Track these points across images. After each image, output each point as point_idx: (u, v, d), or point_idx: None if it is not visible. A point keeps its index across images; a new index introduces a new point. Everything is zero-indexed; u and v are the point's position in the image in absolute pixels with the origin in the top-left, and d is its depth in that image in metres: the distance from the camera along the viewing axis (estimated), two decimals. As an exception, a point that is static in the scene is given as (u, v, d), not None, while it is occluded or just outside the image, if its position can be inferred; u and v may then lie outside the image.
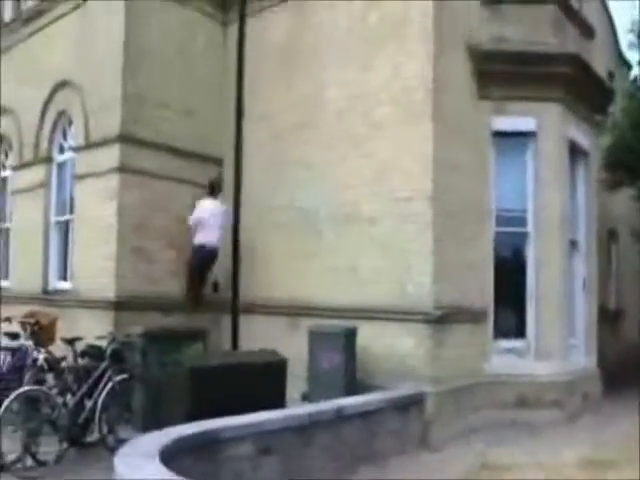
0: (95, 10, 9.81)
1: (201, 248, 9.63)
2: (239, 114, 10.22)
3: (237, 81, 10.25)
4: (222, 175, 10.31)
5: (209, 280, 10.10)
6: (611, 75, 17.44)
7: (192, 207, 9.62)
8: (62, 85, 10.36)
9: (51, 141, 10.78)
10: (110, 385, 6.98)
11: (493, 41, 9.29)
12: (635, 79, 18.63)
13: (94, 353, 7.47)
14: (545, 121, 9.40)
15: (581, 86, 9.89)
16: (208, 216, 9.59)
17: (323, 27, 9.33)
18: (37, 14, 11.12)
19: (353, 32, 8.97)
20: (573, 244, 10.22)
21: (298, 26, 9.68)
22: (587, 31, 11.04)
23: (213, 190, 9.91)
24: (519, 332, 9.23)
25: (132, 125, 9.23)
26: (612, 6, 18.42)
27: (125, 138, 9.15)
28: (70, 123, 10.44)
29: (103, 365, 7.11)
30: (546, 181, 9.36)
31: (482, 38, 9.25)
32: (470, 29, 9.12)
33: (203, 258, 9.72)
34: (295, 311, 9.05)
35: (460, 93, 8.86)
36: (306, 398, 7.95)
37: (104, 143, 9.31)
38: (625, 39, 17.05)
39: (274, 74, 9.91)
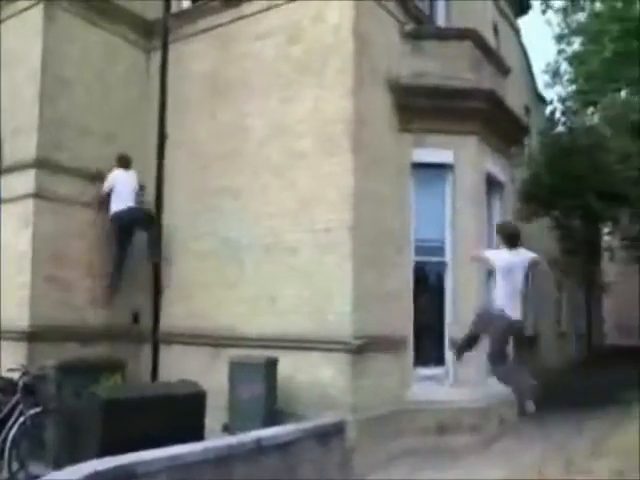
0: (11, 32, 9.52)
1: (119, 215, 9.29)
2: (161, 141, 10.12)
3: (159, 108, 10.18)
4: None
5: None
6: (528, 110, 18.28)
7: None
8: (-26, 109, 10.03)
9: (-37, 166, 10.36)
10: (21, 420, 6.75)
11: (413, 75, 9.50)
12: (551, 116, 19.55)
13: (5, 387, 7.25)
14: (462, 154, 9.67)
15: (496, 120, 10.25)
16: (122, 185, 9.36)
17: (248, 57, 9.37)
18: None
19: (277, 64, 9.04)
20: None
21: (223, 55, 9.69)
22: (503, 68, 11.47)
23: (124, 164, 9.58)
24: (438, 359, 9.41)
25: (50, 150, 9.01)
26: (530, 48, 19.41)
27: (41, 163, 8.92)
28: (-17, 148, 10.09)
29: (14, 399, 6.86)
30: (463, 212, 9.60)
31: (402, 72, 9.46)
32: (391, 63, 9.32)
33: (123, 226, 9.34)
34: (217, 341, 8.94)
35: (381, 126, 9.04)
36: (227, 429, 7.86)
37: (19, 168, 9.03)
38: (542, 79, 17.92)
39: (198, 102, 9.87)
